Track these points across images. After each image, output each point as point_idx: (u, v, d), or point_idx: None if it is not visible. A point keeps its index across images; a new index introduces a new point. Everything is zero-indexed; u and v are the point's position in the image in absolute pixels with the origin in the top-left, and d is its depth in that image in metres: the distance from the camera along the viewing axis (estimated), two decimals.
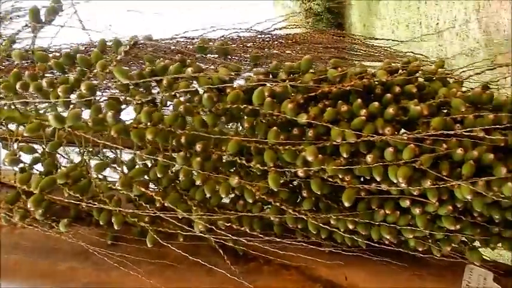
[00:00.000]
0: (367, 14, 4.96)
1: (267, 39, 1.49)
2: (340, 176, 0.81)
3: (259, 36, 1.49)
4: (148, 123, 0.79)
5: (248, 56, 1.19)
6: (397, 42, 1.81)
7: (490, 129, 0.80)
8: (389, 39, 1.69)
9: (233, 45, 1.31)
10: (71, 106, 0.83)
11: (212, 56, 0.97)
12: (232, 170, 0.87)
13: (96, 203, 0.89)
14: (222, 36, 1.41)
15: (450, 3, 3.08)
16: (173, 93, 0.80)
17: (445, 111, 0.86)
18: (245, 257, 0.94)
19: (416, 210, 0.80)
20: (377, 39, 1.70)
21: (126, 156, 0.91)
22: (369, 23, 4.85)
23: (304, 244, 0.92)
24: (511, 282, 0.93)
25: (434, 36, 3.30)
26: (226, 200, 0.94)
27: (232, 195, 0.91)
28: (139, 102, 0.80)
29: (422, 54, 1.12)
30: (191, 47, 0.92)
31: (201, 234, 0.82)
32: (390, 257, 0.94)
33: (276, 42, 1.53)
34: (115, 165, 0.84)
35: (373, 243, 0.90)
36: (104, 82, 0.91)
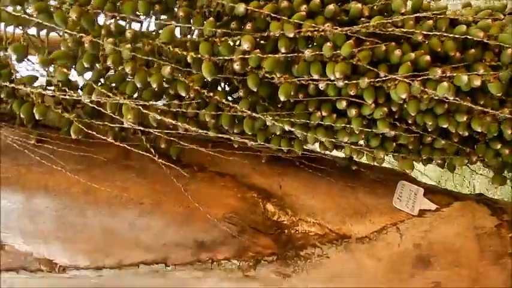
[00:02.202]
0: None
1: None
2: (278, 75, 0.78)
3: None
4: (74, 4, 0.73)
5: None
6: None
7: (429, 34, 0.79)
8: None
9: None
10: None
11: None
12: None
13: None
14: None
15: None
16: None
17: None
18: (178, 163, 0.91)
19: (353, 112, 0.80)
20: None
21: None
22: None
23: (240, 152, 0.90)
24: (444, 200, 0.96)
25: None
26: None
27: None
28: None
29: None
30: None
31: (130, 126, 0.77)
32: (325, 169, 0.94)
33: None
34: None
35: (308, 153, 0.90)
36: None
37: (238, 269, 0.87)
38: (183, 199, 0.86)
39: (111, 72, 0.83)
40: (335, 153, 1.04)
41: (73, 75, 0.85)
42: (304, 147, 0.91)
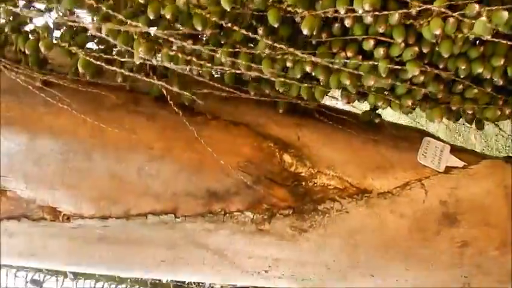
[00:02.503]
0: None
1: None
2: (300, 10, 0.72)
3: None
4: None
5: None
6: None
7: None
8: None
9: None
10: None
11: None
12: None
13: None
14: None
15: None
16: None
17: None
18: (191, 111, 0.85)
19: (380, 51, 0.74)
20: None
21: None
22: None
23: (256, 99, 0.85)
24: (471, 158, 0.90)
25: None
26: None
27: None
28: None
29: None
30: None
31: (142, 60, 0.72)
32: (346, 121, 0.89)
33: None
34: None
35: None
36: None
37: (252, 222, 0.82)
38: (195, 146, 0.81)
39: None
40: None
41: None
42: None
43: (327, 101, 0.95)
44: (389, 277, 0.85)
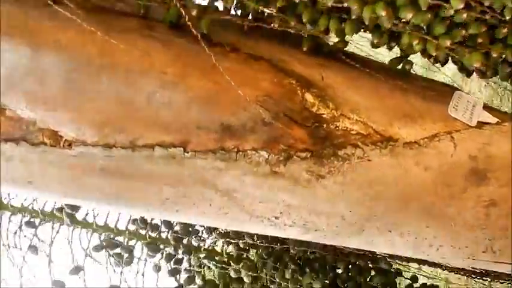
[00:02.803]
0: None
1: None
2: None
3: None
4: None
5: None
6: None
7: None
8: None
9: None
10: None
11: None
12: None
13: None
14: None
15: None
16: None
17: None
18: (209, 42, 0.79)
19: None
20: None
21: None
22: None
23: (279, 35, 0.79)
24: (505, 116, 0.84)
25: None
26: None
27: None
28: None
29: None
30: None
31: None
32: (374, 66, 0.83)
33: None
34: None
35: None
36: None
37: (266, 162, 0.76)
38: (212, 75, 0.74)
39: None
40: None
41: None
42: None
43: None
44: (407, 234, 0.80)
